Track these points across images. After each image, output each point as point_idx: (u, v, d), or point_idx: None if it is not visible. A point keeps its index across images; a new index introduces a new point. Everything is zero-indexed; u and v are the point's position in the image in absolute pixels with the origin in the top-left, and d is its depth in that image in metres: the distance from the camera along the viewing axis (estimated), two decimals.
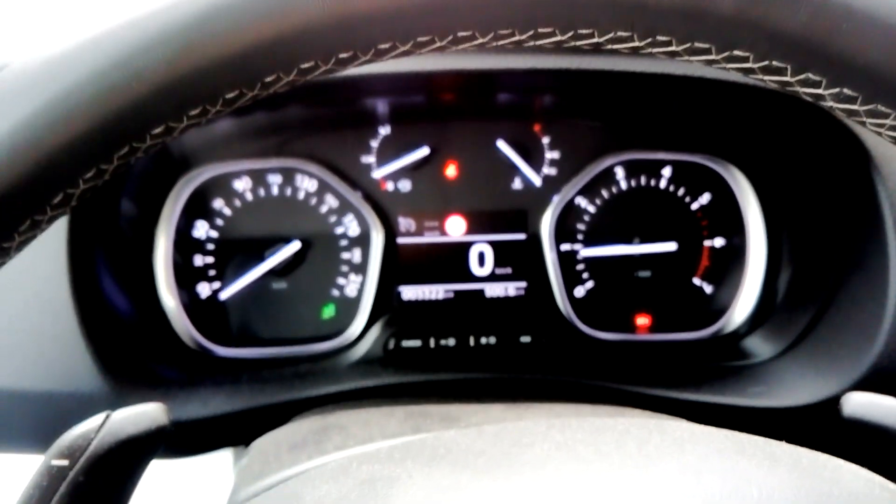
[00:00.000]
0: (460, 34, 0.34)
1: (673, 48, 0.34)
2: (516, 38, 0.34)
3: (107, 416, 0.44)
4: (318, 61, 0.33)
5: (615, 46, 0.34)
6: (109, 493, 0.44)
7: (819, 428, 0.81)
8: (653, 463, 0.36)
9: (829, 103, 0.34)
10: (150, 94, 0.32)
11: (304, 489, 0.39)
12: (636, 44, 0.34)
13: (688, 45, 0.33)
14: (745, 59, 0.33)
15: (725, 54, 0.33)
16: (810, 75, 0.33)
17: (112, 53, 0.31)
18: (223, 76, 0.32)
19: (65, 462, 0.42)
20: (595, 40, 0.34)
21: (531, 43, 0.35)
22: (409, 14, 0.32)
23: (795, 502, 0.33)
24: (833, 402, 0.82)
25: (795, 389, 0.86)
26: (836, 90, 0.33)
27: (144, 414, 0.45)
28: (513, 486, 0.35)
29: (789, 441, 0.40)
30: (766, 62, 0.33)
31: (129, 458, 0.44)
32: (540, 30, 0.33)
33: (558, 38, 0.34)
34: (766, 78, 0.34)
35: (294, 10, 0.31)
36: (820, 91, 0.34)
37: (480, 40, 0.34)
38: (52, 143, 0.32)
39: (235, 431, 0.86)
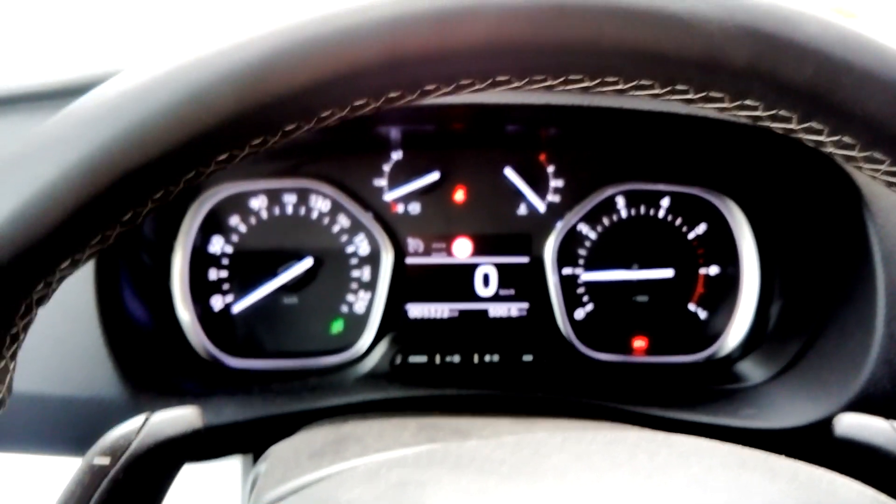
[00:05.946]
0: (499, 78, 0.37)
1: (690, 96, 0.37)
2: (548, 83, 0.38)
3: (146, 418, 0.47)
4: (370, 99, 0.37)
5: (637, 93, 0.38)
6: (146, 491, 0.47)
7: (807, 450, 0.84)
8: (663, 474, 0.40)
9: (830, 149, 0.38)
10: (219, 126, 0.35)
11: (339, 491, 0.41)
12: (657, 91, 0.37)
13: (703, 94, 0.37)
14: (755, 108, 0.37)
15: (737, 103, 0.37)
16: (813, 124, 0.36)
17: (185, 88, 0.35)
18: (285, 112, 0.36)
19: (106, 460, 0.45)
20: (620, 87, 0.37)
21: (561, 88, 0.38)
22: (453, 60, 0.36)
23: None
24: (821, 426, 0.85)
25: (785, 412, 0.88)
26: (837, 138, 0.36)
27: (182, 417, 0.48)
28: (537, 492, 0.38)
29: None
30: (773, 111, 0.36)
31: (166, 458, 0.47)
32: (571, 76, 0.37)
33: (587, 84, 0.37)
34: (774, 125, 0.37)
35: (349, 54, 0.35)
36: (822, 138, 0.37)
37: (517, 84, 0.38)
38: (128, 167, 0.34)
39: (245, 440, 0.88)
